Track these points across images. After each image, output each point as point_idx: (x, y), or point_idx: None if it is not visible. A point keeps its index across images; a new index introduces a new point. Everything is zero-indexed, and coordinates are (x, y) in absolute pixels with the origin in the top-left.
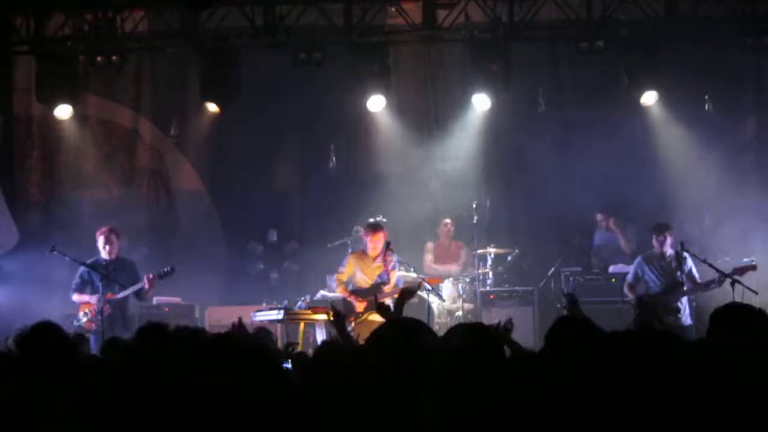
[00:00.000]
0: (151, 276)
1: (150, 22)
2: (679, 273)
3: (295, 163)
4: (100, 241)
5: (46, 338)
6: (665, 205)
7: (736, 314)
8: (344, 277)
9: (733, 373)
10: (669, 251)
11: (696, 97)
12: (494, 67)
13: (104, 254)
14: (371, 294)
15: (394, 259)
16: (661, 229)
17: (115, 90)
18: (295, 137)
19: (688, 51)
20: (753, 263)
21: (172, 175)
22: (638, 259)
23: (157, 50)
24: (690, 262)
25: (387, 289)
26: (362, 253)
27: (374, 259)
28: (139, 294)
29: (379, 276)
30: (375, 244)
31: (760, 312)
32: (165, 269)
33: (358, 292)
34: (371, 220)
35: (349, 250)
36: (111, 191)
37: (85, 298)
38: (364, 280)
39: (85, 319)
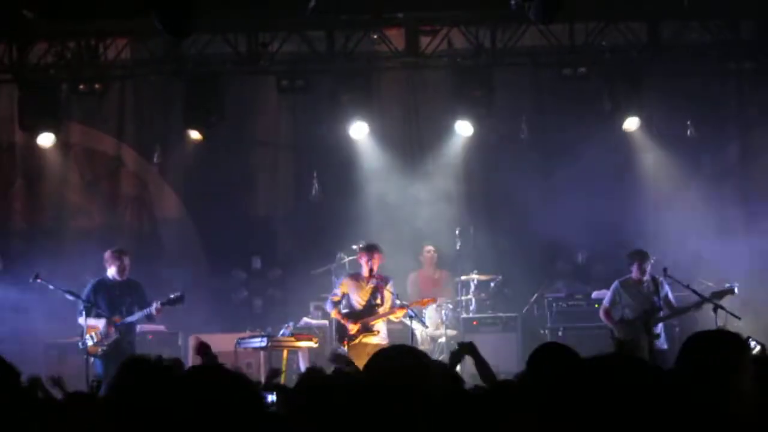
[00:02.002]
0: (158, 305)
1: (133, 50)
2: (655, 298)
3: (278, 190)
4: (117, 263)
5: None
6: (648, 229)
7: (705, 342)
8: (337, 299)
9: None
10: (646, 276)
11: (678, 122)
12: (477, 93)
13: (115, 274)
14: (365, 316)
15: (389, 279)
16: (640, 256)
17: (98, 118)
18: (278, 164)
19: (671, 77)
20: (731, 287)
21: (156, 202)
22: (615, 284)
23: (140, 78)
24: (666, 287)
25: (381, 311)
26: (356, 275)
27: (368, 280)
28: (149, 317)
29: (372, 296)
30: (371, 265)
31: (728, 338)
32: (173, 296)
33: (350, 315)
34: (361, 243)
35: (333, 277)
36: (94, 219)
37: (92, 321)
38: (358, 302)
39: (90, 343)
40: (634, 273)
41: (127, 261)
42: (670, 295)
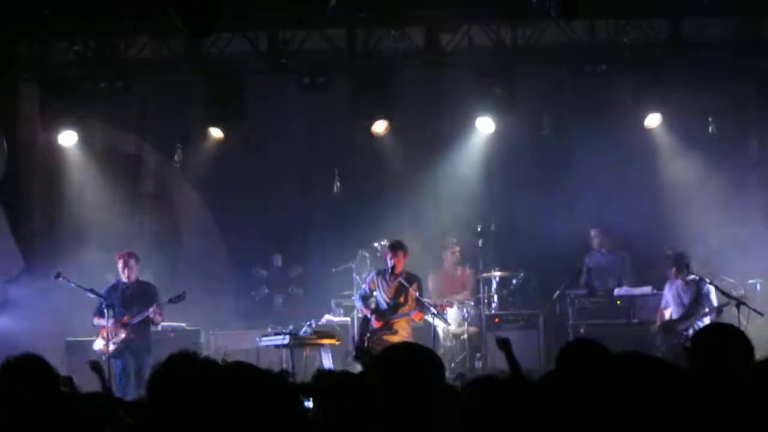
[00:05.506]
0: (155, 307)
1: (153, 48)
2: (698, 297)
3: (300, 187)
4: (120, 264)
5: (28, 374)
6: (670, 227)
7: (716, 336)
8: (365, 295)
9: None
10: (688, 277)
11: (700, 119)
12: (498, 91)
13: (123, 277)
14: (388, 315)
15: (417, 279)
16: (677, 258)
17: (119, 116)
18: (299, 162)
19: (692, 73)
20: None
21: (177, 200)
22: (666, 286)
23: (161, 76)
24: (707, 287)
25: (403, 310)
26: (384, 272)
27: (394, 278)
28: (145, 321)
29: (396, 295)
30: (393, 263)
31: (738, 332)
32: (175, 295)
33: (376, 312)
34: (383, 240)
35: (354, 275)
36: (115, 217)
37: (102, 322)
38: (384, 299)
39: (102, 343)
40: (673, 274)
41: (132, 263)
42: (712, 295)
